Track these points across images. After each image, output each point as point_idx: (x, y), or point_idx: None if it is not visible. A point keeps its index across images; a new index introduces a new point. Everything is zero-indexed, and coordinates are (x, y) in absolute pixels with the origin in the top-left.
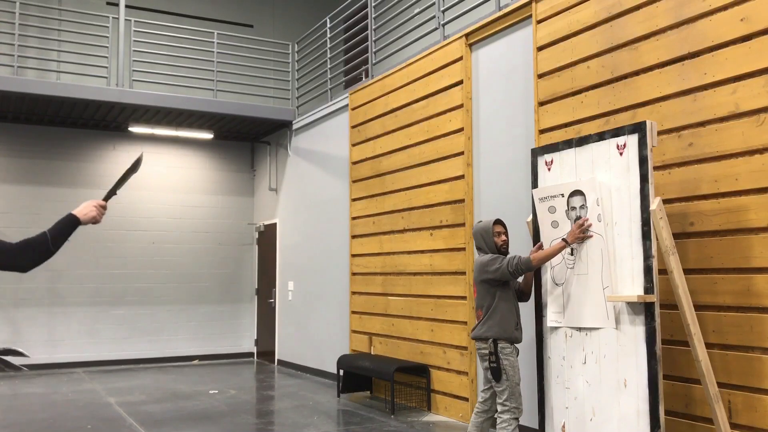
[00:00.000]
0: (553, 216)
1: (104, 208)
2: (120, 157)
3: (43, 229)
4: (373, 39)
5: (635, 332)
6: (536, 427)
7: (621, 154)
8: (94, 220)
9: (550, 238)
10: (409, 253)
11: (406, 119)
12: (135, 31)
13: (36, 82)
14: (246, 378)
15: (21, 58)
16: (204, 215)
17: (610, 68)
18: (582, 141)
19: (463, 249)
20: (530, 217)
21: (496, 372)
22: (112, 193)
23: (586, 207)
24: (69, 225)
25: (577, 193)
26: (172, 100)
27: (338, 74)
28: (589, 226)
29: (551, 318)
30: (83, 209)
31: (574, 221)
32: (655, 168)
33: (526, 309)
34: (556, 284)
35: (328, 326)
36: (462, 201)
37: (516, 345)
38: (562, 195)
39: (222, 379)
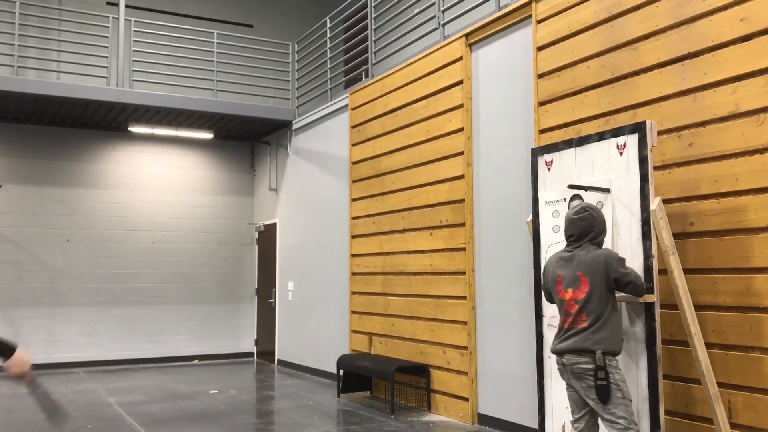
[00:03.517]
0: (556, 220)
1: None
2: (120, 157)
3: None
4: (373, 39)
5: (635, 332)
6: (536, 427)
7: (621, 154)
8: None
9: (549, 242)
10: (409, 253)
11: (406, 119)
12: (135, 31)
13: (36, 82)
14: (246, 378)
15: (21, 58)
16: (204, 215)
17: (610, 68)
18: (582, 141)
19: (463, 249)
20: (530, 217)
21: (605, 390)
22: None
23: None
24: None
25: (577, 196)
26: (172, 100)
27: (338, 74)
28: None
29: (547, 321)
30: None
31: None
32: (655, 168)
33: (526, 309)
34: None
35: (328, 326)
36: (462, 201)
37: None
38: (565, 199)
39: (222, 379)
